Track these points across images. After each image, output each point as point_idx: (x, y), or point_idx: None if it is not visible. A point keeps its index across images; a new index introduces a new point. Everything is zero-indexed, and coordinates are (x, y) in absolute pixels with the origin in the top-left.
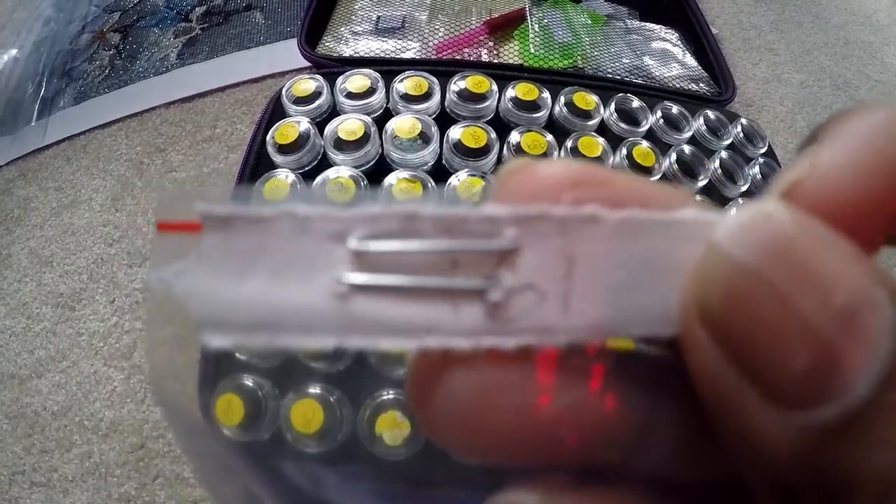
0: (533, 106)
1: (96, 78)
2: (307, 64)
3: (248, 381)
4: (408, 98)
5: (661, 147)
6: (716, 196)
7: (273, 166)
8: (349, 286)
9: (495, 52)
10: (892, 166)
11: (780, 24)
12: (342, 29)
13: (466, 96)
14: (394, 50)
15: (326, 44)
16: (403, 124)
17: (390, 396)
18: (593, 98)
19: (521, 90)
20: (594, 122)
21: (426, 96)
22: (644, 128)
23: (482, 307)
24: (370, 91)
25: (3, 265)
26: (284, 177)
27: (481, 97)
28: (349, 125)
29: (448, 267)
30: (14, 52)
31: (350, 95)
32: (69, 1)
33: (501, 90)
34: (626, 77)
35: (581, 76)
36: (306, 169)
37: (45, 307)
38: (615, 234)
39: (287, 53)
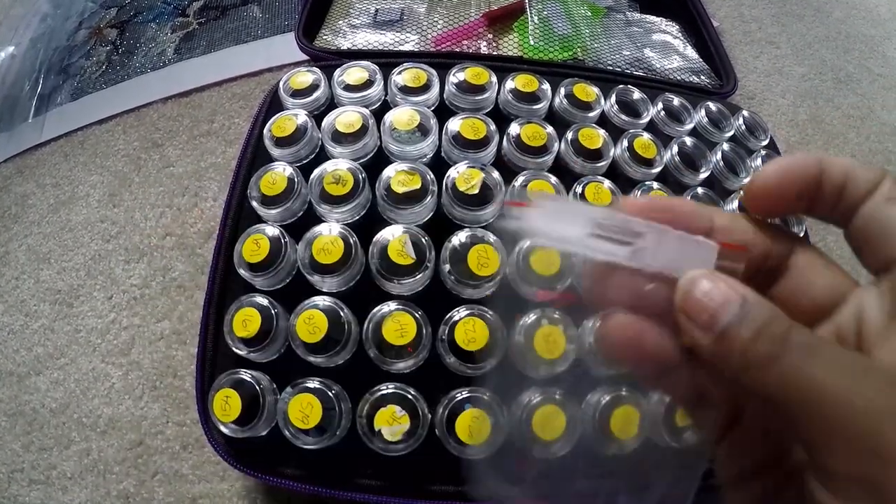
0: (533, 97)
1: (93, 74)
2: (305, 57)
3: (246, 376)
4: (406, 90)
5: (663, 139)
6: (718, 188)
7: (271, 159)
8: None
9: (494, 44)
10: (794, 167)
11: (781, 17)
12: (340, 22)
13: (465, 88)
14: (392, 43)
15: (324, 37)
16: (402, 116)
17: (389, 391)
18: (594, 90)
19: (520, 81)
20: (595, 113)
21: (425, 88)
22: (645, 119)
23: (631, 250)
24: (368, 83)
25: (0, 262)
26: (282, 170)
27: (480, 89)
28: (347, 118)
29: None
30: (11, 49)
31: (348, 88)
32: None
33: (501, 82)
34: (627, 69)
35: (581, 68)
36: (304, 162)
37: (43, 304)
38: (676, 237)
39: (285, 47)
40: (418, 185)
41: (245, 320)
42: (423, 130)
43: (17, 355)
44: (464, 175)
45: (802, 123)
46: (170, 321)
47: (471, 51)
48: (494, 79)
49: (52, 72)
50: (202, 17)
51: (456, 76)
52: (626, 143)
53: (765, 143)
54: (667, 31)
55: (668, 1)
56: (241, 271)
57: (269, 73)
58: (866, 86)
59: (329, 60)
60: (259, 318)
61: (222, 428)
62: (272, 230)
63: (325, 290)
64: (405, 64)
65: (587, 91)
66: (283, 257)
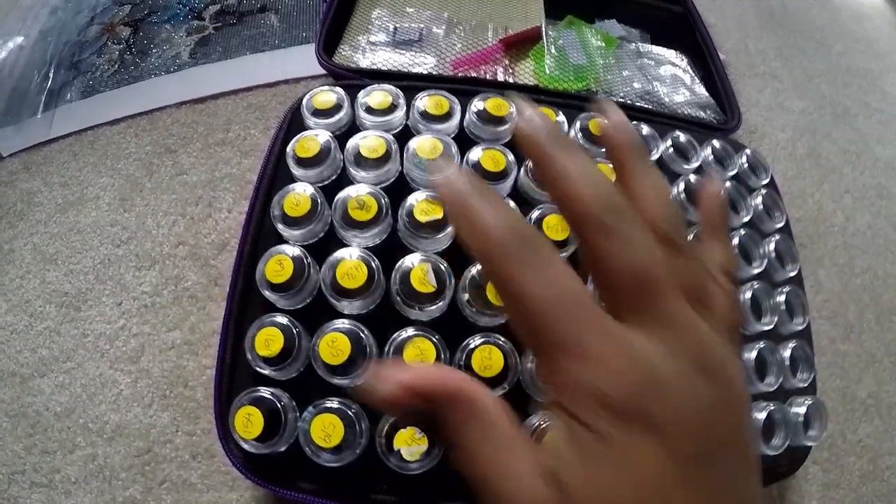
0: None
1: (105, 72)
2: (322, 71)
3: (267, 394)
4: (428, 117)
5: (670, 175)
6: None
7: (292, 178)
8: None
9: (511, 70)
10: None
11: (784, 50)
12: (359, 38)
13: (486, 118)
14: (410, 63)
15: (343, 52)
16: (425, 144)
17: None
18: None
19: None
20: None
21: (447, 116)
22: (654, 156)
23: None
24: (391, 108)
25: (4, 260)
26: (303, 190)
27: (500, 120)
28: (370, 142)
29: None
30: (20, 39)
31: (371, 111)
32: None
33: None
34: (637, 102)
35: (594, 101)
36: (326, 183)
37: (48, 306)
38: None
39: (302, 59)
40: (440, 215)
41: (267, 340)
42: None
43: (21, 356)
44: None
45: (800, 158)
46: (181, 331)
47: (488, 76)
48: (514, 110)
49: (63, 67)
50: (218, 21)
51: (476, 106)
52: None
53: (765, 181)
54: (676, 63)
55: (677, 31)
56: (265, 291)
57: (286, 85)
58: (863, 120)
59: (349, 78)
60: (282, 337)
61: (244, 444)
62: (295, 251)
63: (346, 312)
64: (428, 91)
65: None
66: (305, 279)
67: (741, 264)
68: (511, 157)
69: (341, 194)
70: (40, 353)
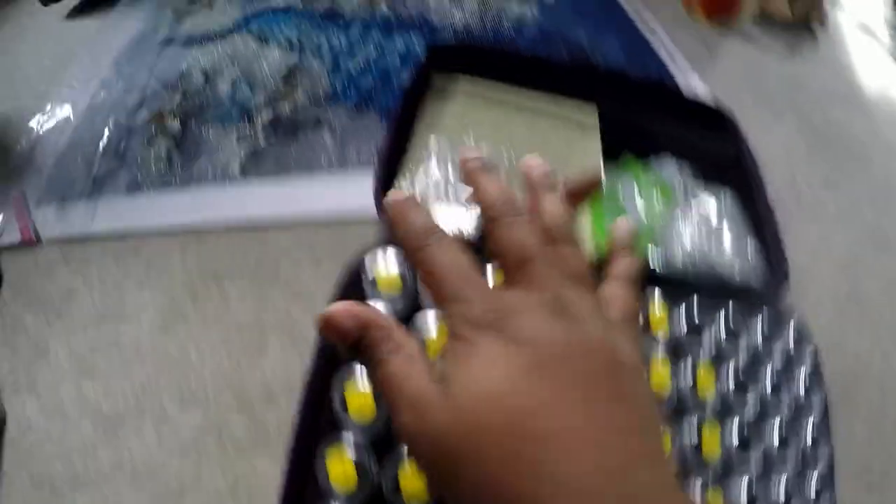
0: None
1: (151, 169)
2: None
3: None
4: None
5: (721, 355)
6: (763, 410)
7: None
8: None
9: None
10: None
11: (831, 176)
12: (417, 171)
13: None
14: (467, 213)
15: (401, 187)
16: None
17: None
18: (661, 314)
19: None
20: (665, 335)
21: None
22: (706, 337)
23: None
24: None
25: (40, 357)
26: (363, 388)
27: None
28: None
29: None
30: (68, 109)
31: None
32: (129, 65)
33: None
34: (690, 263)
35: (651, 278)
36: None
37: (84, 420)
38: None
39: (357, 190)
40: None
41: None
42: None
43: (54, 465)
44: None
45: (842, 299)
46: (226, 481)
47: None
48: None
49: (109, 152)
50: (271, 132)
51: None
52: (689, 372)
53: (810, 356)
54: (726, 212)
55: (728, 172)
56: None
57: (341, 223)
58: None
59: None
60: None
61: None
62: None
63: None
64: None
65: (658, 319)
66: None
67: (777, 451)
68: None
69: (392, 459)
70: (76, 468)
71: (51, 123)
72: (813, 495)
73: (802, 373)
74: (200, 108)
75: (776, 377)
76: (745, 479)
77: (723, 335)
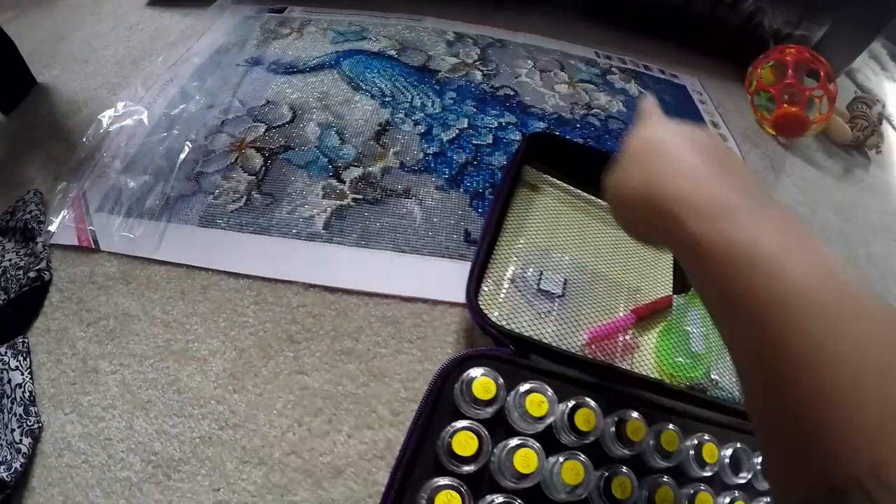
0: (670, 454)
1: (228, 203)
2: (460, 300)
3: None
4: (575, 431)
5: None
6: None
7: (439, 467)
8: None
9: (635, 343)
10: None
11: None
12: (503, 276)
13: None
14: (551, 326)
15: (485, 289)
16: (566, 470)
17: None
18: (715, 448)
19: (664, 438)
20: (712, 473)
21: (589, 433)
22: (744, 478)
23: None
24: (545, 415)
25: (87, 376)
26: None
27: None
28: (524, 455)
29: None
30: (143, 110)
31: (526, 414)
32: (210, 77)
33: (649, 430)
34: (736, 389)
35: (709, 404)
36: (472, 479)
37: (132, 455)
38: None
39: (441, 278)
40: None
41: None
42: (583, 487)
43: (94, 493)
44: None
45: None
46: None
47: (619, 358)
48: (647, 427)
49: (184, 174)
50: (358, 192)
51: (615, 424)
52: None
53: None
54: None
55: None
56: None
57: (424, 304)
58: None
59: (496, 337)
60: None
61: None
62: None
63: None
64: (576, 398)
65: (711, 450)
66: None
67: None
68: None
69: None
70: (117, 500)
71: (123, 122)
72: None
73: None
74: (285, 147)
75: None
76: None
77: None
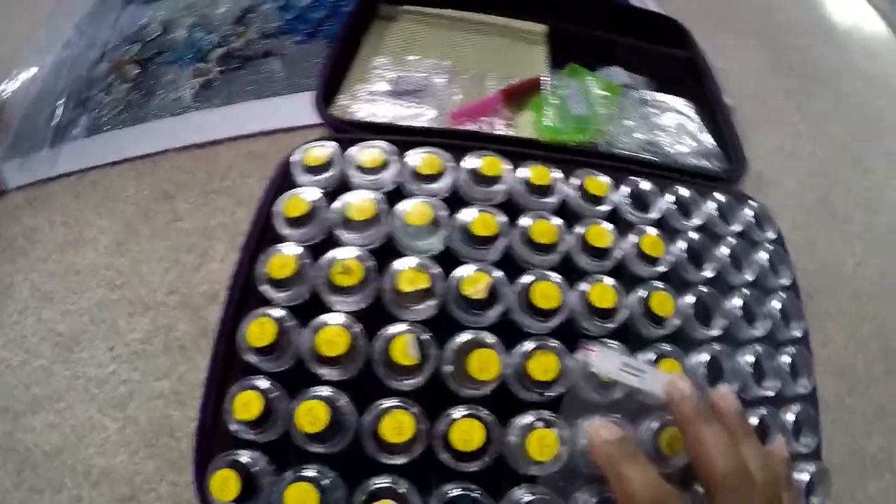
0: (545, 190)
1: (111, 111)
2: (321, 121)
3: (244, 459)
4: (419, 177)
5: (671, 232)
6: (721, 283)
7: (279, 237)
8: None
9: (510, 122)
10: None
11: (795, 94)
12: (358, 87)
13: (479, 179)
14: (411, 115)
15: (341, 102)
16: (415, 210)
17: (383, 484)
18: (605, 181)
19: (533, 173)
20: (605, 208)
21: (438, 176)
22: (654, 214)
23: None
24: (383, 166)
25: (4, 294)
26: (291, 252)
27: (493, 180)
28: (359, 204)
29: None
30: (34, 70)
31: (362, 169)
32: (91, 25)
33: (515, 167)
34: (639, 153)
35: (594, 154)
36: (314, 242)
37: (43, 344)
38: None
39: (303, 107)
40: (426, 285)
41: (247, 403)
42: (435, 224)
43: (15, 391)
44: (471, 279)
45: (809, 204)
46: (169, 381)
47: (487, 128)
48: (508, 166)
49: (71, 102)
50: (223, 65)
51: (469, 164)
52: (634, 240)
53: (772, 237)
54: (682, 111)
55: (683, 78)
56: (246, 355)
57: (286, 133)
58: (876, 162)
59: (346, 131)
60: (261, 402)
61: None
62: (278, 314)
63: (326, 379)
64: (421, 149)
65: (599, 184)
66: (287, 343)
67: (744, 325)
68: (503, 219)
69: (326, 257)
70: (33, 391)
71: (16, 85)
72: (788, 370)
73: (765, 252)
74: (158, 52)
75: (735, 254)
76: (707, 353)
77: (673, 208)
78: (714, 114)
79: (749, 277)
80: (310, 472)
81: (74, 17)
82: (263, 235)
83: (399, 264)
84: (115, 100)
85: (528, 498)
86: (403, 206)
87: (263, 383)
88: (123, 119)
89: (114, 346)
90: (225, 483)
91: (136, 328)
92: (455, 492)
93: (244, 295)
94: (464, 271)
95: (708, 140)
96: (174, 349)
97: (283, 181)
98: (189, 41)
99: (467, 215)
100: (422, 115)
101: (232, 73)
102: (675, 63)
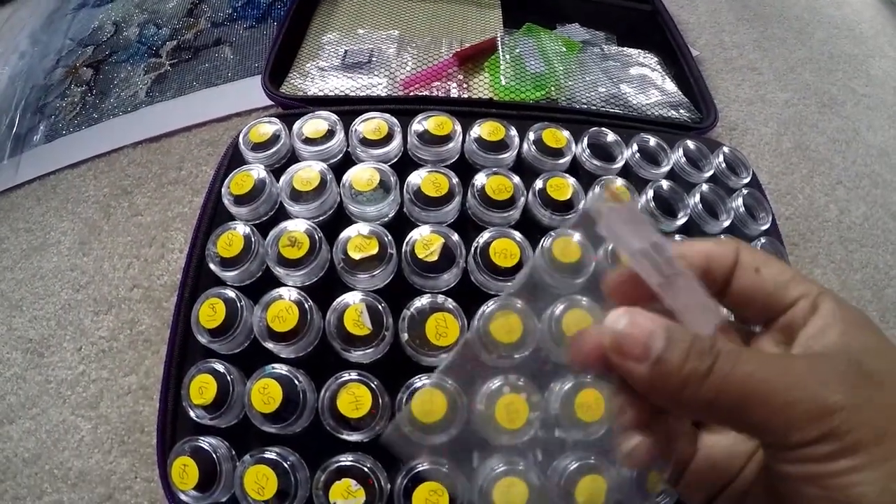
0: (499, 146)
1: (67, 115)
2: (272, 103)
3: (204, 444)
4: (367, 142)
5: (638, 183)
6: (696, 232)
7: (230, 217)
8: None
9: (465, 85)
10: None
11: (762, 42)
12: (308, 65)
13: (428, 139)
14: (361, 87)
15: (292, 81)
16: (361, 176)
17: (345, 463)
18: (564, 134)
19: (486, 129)
20: (565, 160)
21: (386, 140)
22: (619, 164)
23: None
24: (328, 135)
25: None
26: (239, 230)
27: (444, 139)
28: (304, 174)
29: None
30: None
31: (307, 141)
32: (45, 34)
33: (466, 130)
34: (603, 107)
35: (552, 109)
36: (264, 219)
37: (15, 352)
38: (701, 295)
39: (255, 91)
40: (375, 251)
41: (201, 387)
42: (384, 188)
43: None
44: (423, 240)
45: (787, 152)
46: (137, 375)
47: (440, 93)
48: (459, 127)
49: (29, 111)
50: (175, 58)
51: (419, 126)
52: (598, 190)
53: (746, 180)
54: (645, 63)
55: (645, 31)
56: (200, 337)
57: (238, 118)
58: (851, 107)
59: (294, 107)
60: (215, 385)
61: (181, 495)
62: (229, 293)
63: (282, 356)
64: (367, 115)
65: (557, 136)
66: (239, 323)
67: None
68: (455, 179)
69: (273, 232)
70: (8, 400)
71: None
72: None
73: (740, 198)
74: (111, 53)
75: (708, 201)
76: None
77: (638, 157)
78: (680, 64)
79: (726, 224)
80: (269, 455)
81: (27, 27)
82: (215, 217)
83: (347, 232)
84: (71, 104)
85: (500, 469)
86: (350, 174)
87: (219, 366)
88: (80, 121)
89: (81, 346)
90: (184, 471)
91: (102, 326)
92: (422, 466)
93: (197, 277)
94: (416, 234)
95: (675, 90)
96: (139, 343)
97: (233, 161)
98: (141, 38)
99: (417, 177)
100: (373, 87)
101: (184, 64)
102: (636, 17)
